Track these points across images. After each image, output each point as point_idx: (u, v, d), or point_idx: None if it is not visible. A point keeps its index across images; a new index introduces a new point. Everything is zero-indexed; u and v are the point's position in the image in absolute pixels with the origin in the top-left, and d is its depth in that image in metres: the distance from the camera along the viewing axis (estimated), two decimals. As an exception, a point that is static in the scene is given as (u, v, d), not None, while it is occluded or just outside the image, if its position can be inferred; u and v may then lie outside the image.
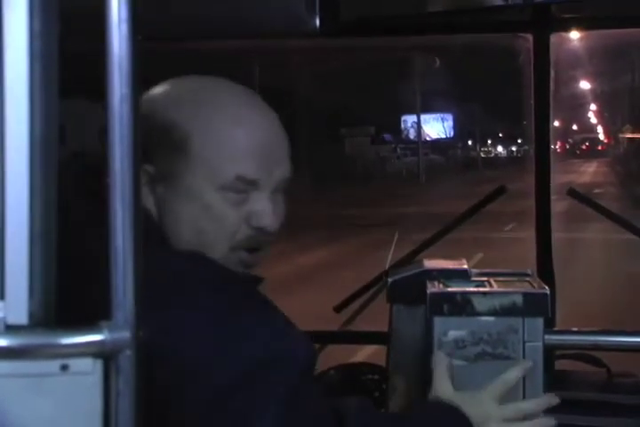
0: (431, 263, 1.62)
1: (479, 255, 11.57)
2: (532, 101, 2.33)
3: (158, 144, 1.30)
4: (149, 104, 1.32)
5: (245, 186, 1.33)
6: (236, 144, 1.33)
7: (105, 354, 0.82)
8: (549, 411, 1.49)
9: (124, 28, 0.82)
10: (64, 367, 0.82)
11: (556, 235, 2.48)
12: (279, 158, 1.37)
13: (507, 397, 1.44)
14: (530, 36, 2.28)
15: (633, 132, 34.54)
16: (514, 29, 2.36)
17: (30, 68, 0.81)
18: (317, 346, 2.50)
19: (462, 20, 2.25)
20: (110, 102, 0.83)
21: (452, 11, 2.01)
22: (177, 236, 1.32)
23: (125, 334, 0.82)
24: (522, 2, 1.78)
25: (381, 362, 1.84)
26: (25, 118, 0.81)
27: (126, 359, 0.83)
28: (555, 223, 2.43)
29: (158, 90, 1.38)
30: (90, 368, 0.82)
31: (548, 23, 2.25)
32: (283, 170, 1.38)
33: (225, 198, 1.33)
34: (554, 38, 2.30)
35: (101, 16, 0.83)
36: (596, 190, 23.39)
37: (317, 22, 1.59)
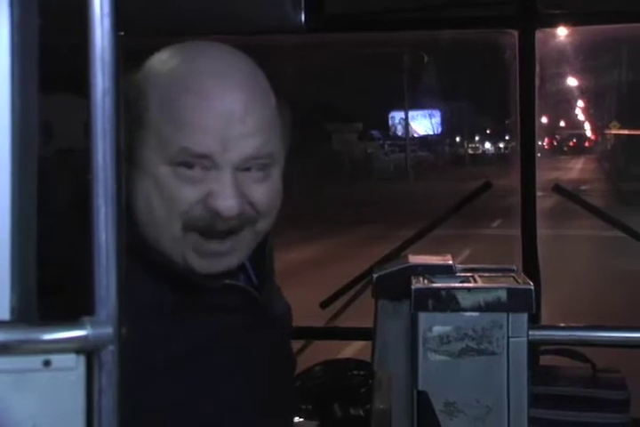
0: (416, 259, 1.62)
1: (466, 252, 11.60)
2: (518, 97, 2.34)
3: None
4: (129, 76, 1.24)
5: (195, 160, 1.22)
6: (187, 115, 1.21)
7: (88, 350, 0.82)
8: (535, 406, 1.49)
9: (106, 22, 0.82)
10: (47, 363, 0.81)
11: (543, 231, 2.49)
12: (241, 134, 1.23)
13: (491, 393, 1.44)
14: (515, 32, 2.29)
15: (619, 129, 34.65)
16: (499, 25, 2.37)
17: (11, 63, 0.80)
18: (304, 342, 2.51)
19: (448, 15, 2.25)
20: (92, 96, 0.82)
21: (438, 6, 2.02)
22: (133, 214, 1.23)
23: (108, 330, 0.82)
24: (507, -3, 1.78)
25: (368, 358, 1.85)
26: (6, 114, 0.81)
27: (109, 355, 0.82)
28: (541, 220, 2.44)
29: (148, 61, 1.29)
30: (72, 364, 0.82)
31: (533, 19, 2.26)
32: (245, 147, 1.23)
33: (176, 173, 1.22)
34: (540, 34, 2.31)
35: (83, 10, 0.83)
36: (583, 187, 23.47)
37: (303, 18, 1.59)
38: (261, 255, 1.38)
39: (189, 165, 1.22)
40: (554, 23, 2.38)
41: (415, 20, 2.29)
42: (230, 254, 1.28)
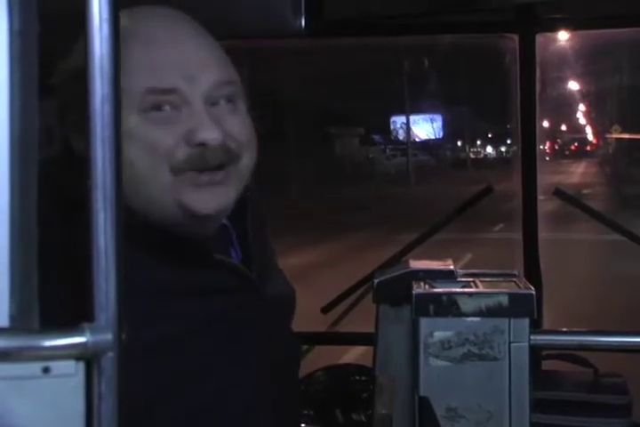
0: (417, 264, 1.62)
1: (468, 256, 11.60)
2: (518, 102, 2.34)
3: None
4: None
5: (163, 98, 1.21)
6: (143, 60, 1.21)
7: (87, 356, 0.82)
8: (537, 412, 1.49)
9: (106, 27, 0.82)
10: (46, 370, 0.81)
11: (546, 235, 2.49)
12: (200, 64, 1.24)
13: (493, 398, 1.44)
14: (516, 37, 2.29)
15: (621, 133, 34.65)
16: (499, 30, 2.37)
17: (10, 69, 0.80)
18: (305, 347, 2.51)
19: (448, 20, 2.25)
20: (91, 103, 0.82)
21: (438, 11, 2.02)
22: None
23: (108, 336, 0.82)
24: (507, 2, 1.78)
25: (369, 363, 1.84)
26: (5, 121, 0.81)
27: (109, 361, 0.82)
28: (543, 224, 2.44)
29: None
30: (72, 370, 0.82)
31: (533, 23, 2.26)
32: (209, 75, 1.24)
33: (148, 119, 1.20)
34: (541, 39, 2.31)
35: (82, 16, 0.83)
36: (585, 191, 23.47)
37: (303, 23, 1.59)
38: (244, 225, 1.36)
39: (158, 107, 1.21)
40: (554, 27, 2.38)
41: (415, 24, 2.29)
42: (226, 185, 1.26)
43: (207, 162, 1.23)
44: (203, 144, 1.21)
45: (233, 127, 1.26)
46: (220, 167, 1.24)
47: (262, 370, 1.32)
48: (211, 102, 1.24)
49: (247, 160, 1.30)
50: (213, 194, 1.25)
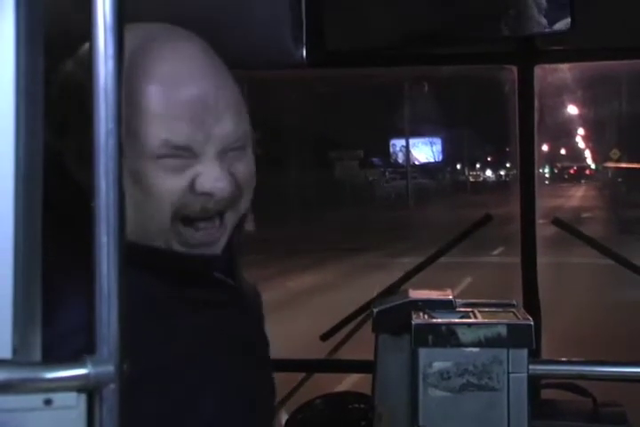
0: (416, 293, 1.63)
1: (467, 280, 11.59)
2: (517, 131, 2.35)
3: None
4: None
5: (176, 151, 1.18)
6: (159, 104, 1.17)
7: (89, 388, 0.82)
8: (536, 441, 1.49)
9: (110, 64, 0.83)
10: (48, 402, 0.81)
11: (546, 260, 2.49)
12: (218, 118, 1.20)
13: None
14: (514, 68, 2.31)
15: (620, 158, 34.71)
16: (499, 61, 2.39)
17: (16, 104, 0.81)
18: (304, 375, 2.50)
19: (448, 52, 2.27)
20: (96, 137, 0.83)
21: (437, 43, 2.03)
22: None
23: (109, 368, 0.82)
24: (507, 34, 1.80)
25: (367, 391, 1.84)
26: (10, 151, 0.82)
27: (110, 393, 0.82)
28: (543, 248, 2.44)
29: None
30: (74, 402, 0.82)
31: (532, 55, 2.28)
32: (225, 128, 1.21)
33: (158, 165, 1.18)
34: (539, 70, 2.33)
35: (88, 52, 0.84)
36: (584, 215, 23.47)
37: (304, 53, 1.60)
38: (230, 239, 1.35)
39: (170, 156, 1.19)
40: (553, 59, 2.40)
41: (416, 55, 2.31)
42: (215, 244, 1.26)
43: (210, 211, 1.23)
44: (209, 194, 1.21)
45: (239, 172, 1.25)
46: (218, 215, 1.25)
47: (249, 380, 1.34)
48: (222, 152, 1.23)
49: (244, 203, 1.30)
50: (211, 234, 1.25)
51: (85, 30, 0.83)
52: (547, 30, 1.82)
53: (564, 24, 1.81)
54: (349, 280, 12.54)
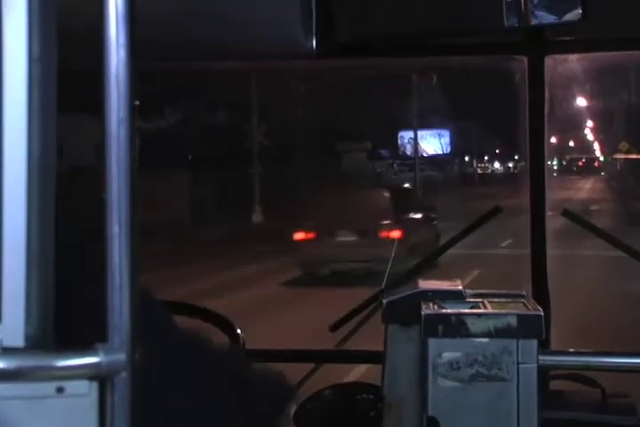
0: (426, 284, 1.63)
1: (476, 271, 11.58)
2: (527, 121, 2.34)
3: None
4: None
5: None
6: None
7: (101, 376, 0.83)
8: (544, 432, 1.49)
9: (122, 53, 0.83)
10: (60, 390, 0.82)
11: (556, 252, 2.48)
12: None
13: (501, 419, 1.44)
14: (525, 59, 2.30)
15: (629, 150, 34.58)
16: (509, 52, 2.38)
17: (29, 93, 0.81)
18: (313, 365, 2.51)
19: (458, 42, 2.26)
20: (108, 126, 0.83)
21: (448, 33, 2.03)
22: None
23: (121, 357, 0.82)
24: (516, 25, 1.79)
25: (376, 381, 1.84)
26: (23, 141, 0.82)
27: (122, 381, 0.83)
28: (553, 240, 2.43)
29: None
30: (85, 391, 0.83)
31: (542, 46, 2.27)
32: None
33: None
34: (549, 59, 2.32)
35: (100, 41, 0.84)
36: (593, 207, 23.40)
37: (314, 44, 1.60)
38: None
39: None
40: (563, 50, 2.39)
41: (426, 46, 2.30)
42: None
43: None
44: None
45: None
46: None
47: None
48: None
49: None
50: None
51: (97, 20, 0.83)
52: (557, 21, 1.82)
53: (574, 15, 1.81)
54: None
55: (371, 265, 9.34)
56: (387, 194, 14.44)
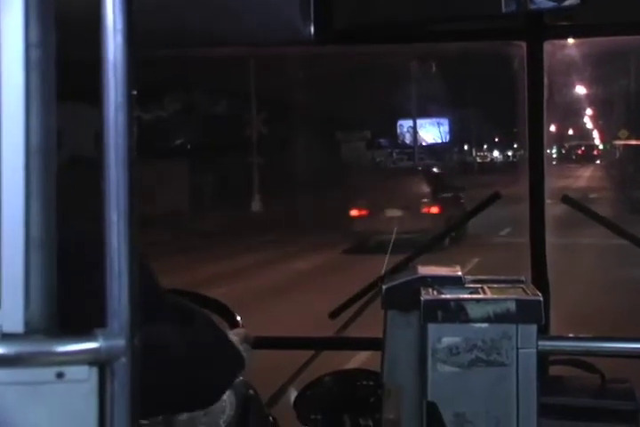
0: (425, 270, 1.63)
1: (475, 260, 11.58)
2: (526, 108, 2.34)
3: None
4: None
5: None
6: None
7: (100, 362, 0.83)
8: (544, 417, 1.49)
9: (119, 38, 0.83)
10: (60, 375, 0.82)
11: (555, 240, 2.48)
12: None
13: (500, 404, 1.45)
14: (524, 44, 2.29)
15: (628, 138, 34.54)
16: (507, 37, 2.38)
17: (26, 78, 0.81)
18: (313, 352, 2.51)
19: (457, 28, 2.26)
20: (106, 111, 0.83)
21: (447, 19, 2.02)
22: None
23: (121, 342, 0.83)
24: (515, 10, 1.79)
25: (376, 368, 1.85)
26: (21, 127, 0.82)
27: (121, 367, 0.83)
28: (552, 228, 2.43)
29: None
30: (85, 376, 0.83)
31: (541, 31, 2.26)
32: None
33: None
34: (548, 46, 2.31)
35: (97, 26, 0.84)
36: (592, 195, 23.39)
37: (312, 31, 1.59)
38: None
39: None
40: (562, 35, 2.39)
41: (424, 32, 2.30)
42: None
43: None
44: None
45: None
46: None
47: None
48: None
49: None
50: None
51: (95, 6, 0.83)
52: (556, 6, 1.81)
53: (573, 0, 1.80)
54: (358, 260, 12.57)
55: (413, 236, 9.98)
56: (423, 177, 17.20)
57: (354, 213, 16.13)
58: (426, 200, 16.10)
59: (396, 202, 15.63)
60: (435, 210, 15.59)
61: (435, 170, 20.23)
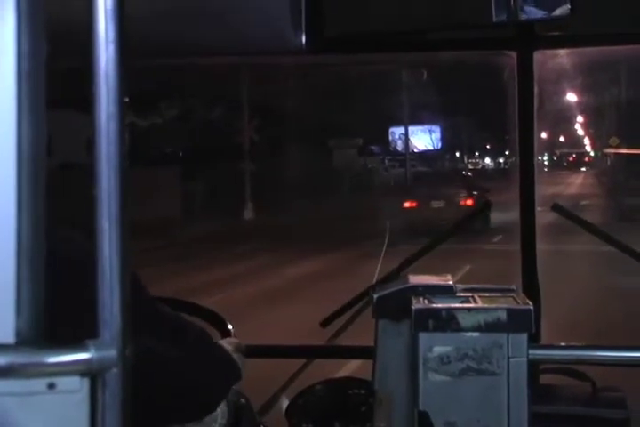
0: (416, 279, 1.63)
1: (467, 267, 11.60)
2: (517, 117, 2.35)
3: None
4: None
5: None
6: None
7: (92, 372, 0.83)
8: (535, 425, 1.49)
9: (111, 48, 0.83)
10: (51, 386, 0.82)
11: (546, 247, 2.49)
12: None
13: (491, 413, 1.45)
14: (514, 54, 2.30)
15: (619, 145, 34.63)
16: (498, 47, 2.39)
17: (18, 88, 0.81)
18: (305, 361, 2.51)
19: (447, 37, 2.27)
20: (97, 121, 0.83)
21: (437, 28, 2.03)
22: None
23: (112, 353, 0.82)
24: (506, 20, 1.80)
25: (368, 376, 1.85)
26: (12, 136, 0.82)
27: (113, 377, 0.83)
28: (543, 236, 2.44)
29: None
30: (77, 387, 0.83)
31: (531, 41, 2.27)
32: None
33: None
34: (539, 54, 2.32)
35: (89, 36, 0.84)
36: (583, 202, 23.43)
37: (303, 40, 1.60)
38: None
39: None
40: (552, 45, 2.40)
41: (415, 41, 2.30)
42: None
43: None
44: None
45: None
46: None
47: None
48: None
49: None
50: None
51: (87, 15, 0.83)
52: (546, 16, 1.82)
53: (563, 10, 1.81)
54: (349, 268, 12.56)
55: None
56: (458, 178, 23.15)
57: (406, 204, 20.59)
58: (462, 195, 20.95)
59: (439, 196, 20.54)
60: (469, 202, 20.09)
61: (468, 173, 26.30)
